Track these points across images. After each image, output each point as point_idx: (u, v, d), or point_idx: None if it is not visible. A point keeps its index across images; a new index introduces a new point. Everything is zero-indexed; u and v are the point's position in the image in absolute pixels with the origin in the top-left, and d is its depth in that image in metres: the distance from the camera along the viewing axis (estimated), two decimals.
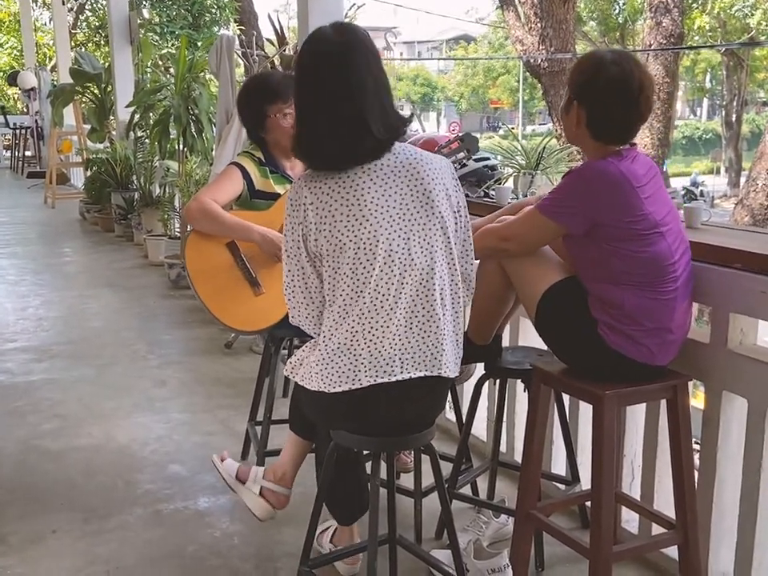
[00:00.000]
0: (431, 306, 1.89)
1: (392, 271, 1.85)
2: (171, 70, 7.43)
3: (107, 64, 9.14)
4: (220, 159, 4.44)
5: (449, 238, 1.91)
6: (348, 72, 1.82)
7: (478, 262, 2.35)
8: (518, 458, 3.02)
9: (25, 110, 16.14)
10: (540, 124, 37.24)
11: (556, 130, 9.21)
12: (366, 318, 1.85)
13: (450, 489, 2.54)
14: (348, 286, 1.84)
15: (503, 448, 2.98)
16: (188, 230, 2.86)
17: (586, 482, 2.63)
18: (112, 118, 9.06)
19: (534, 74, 9.22)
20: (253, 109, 2.79)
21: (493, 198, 3.13)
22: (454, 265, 1.94)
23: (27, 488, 2.94)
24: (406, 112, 1.98)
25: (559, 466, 2.82)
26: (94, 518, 2.72)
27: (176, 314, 5.31)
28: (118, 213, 7.95)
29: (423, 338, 1.90)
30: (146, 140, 7.10)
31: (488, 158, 3.34)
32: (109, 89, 8.99)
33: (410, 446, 2.10)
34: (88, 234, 8.58)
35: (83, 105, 10.03)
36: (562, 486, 2.71)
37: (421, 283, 1.88)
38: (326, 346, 1.89)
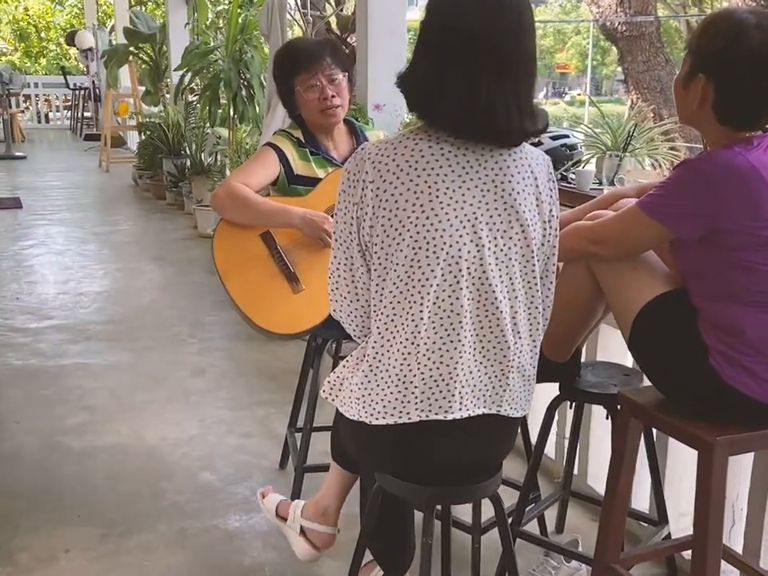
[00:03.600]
0: (501, 331, 1.52)
1: (458, 283, 1.47)
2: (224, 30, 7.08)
3: (163, 24, 8.84)
4: (268, 129, 4.09)
5: (532, 252, 1.53)
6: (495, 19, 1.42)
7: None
8: (592, 482, 2.65)
9: (85, 71, 16.05)
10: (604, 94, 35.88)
11: (631, 101, 8.61)
12: (421, 337, 1.49)
13: (514, 525, 2.18)
14: (400, 292, 1.48)
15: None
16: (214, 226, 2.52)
17: (672, 521, 2.26)
18: (168, 80, 8.79)
19: (609, 39, 8.58)
20: (282, 84, 2.43)
21: (572, 183, 2.72)
22: (535, 284, 1.56)
23: (44, 494, 2.67)
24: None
25: (640, 501, 2.43)
26: (112, 534, 2.44)
27: (222, 293, 4.96)
28: (169, 180, 7.70)
29: (487, 368, 1.54)
30: (198, 105, 6.80)
31: (566, 136, 2.93)
32: (164, 50, 8.71)
33: (470, 498, 1.73)
34: (139, 200, 8.36)
35: (139, 66, 9.79)
36: (644, 524, 2.33)
37: (492, 303, 1.50)
38: (371, 366, 1.54)
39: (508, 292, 1.52)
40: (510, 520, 2.22)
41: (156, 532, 2.46)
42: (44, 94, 16.07)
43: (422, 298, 1.48)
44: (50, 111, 16.52)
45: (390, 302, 1.50)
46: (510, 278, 1.52)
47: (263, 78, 5.39)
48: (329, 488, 2.08)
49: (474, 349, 1.52)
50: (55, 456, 2.92)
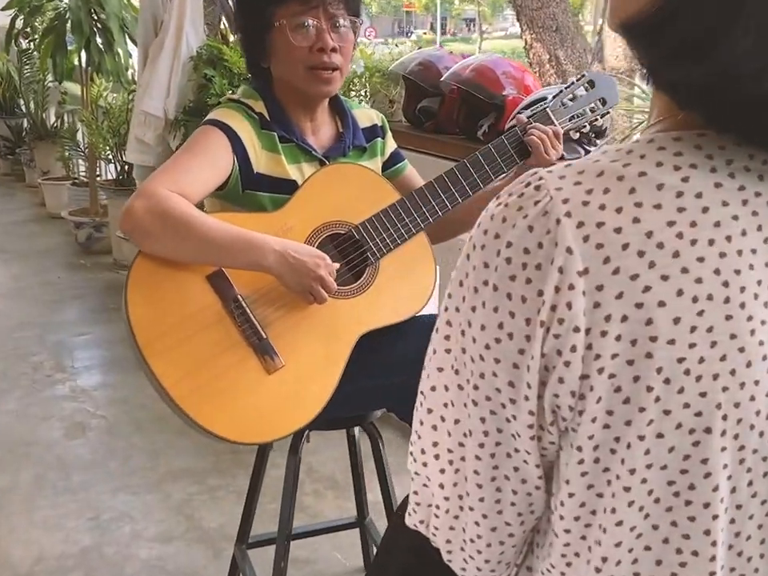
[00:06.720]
0: None
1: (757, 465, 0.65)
2: None
3: None
4: (148, 90, 3.05)
5: None
6: None
7: None
8: None
9: None
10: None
11: (526, 42, 7.95)
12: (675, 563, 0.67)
13: None
14: (647, 516, 0.64)
15: None
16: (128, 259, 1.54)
17: None
18: None
19: None
20: (252, 14, 1.48)
21: None
22: None
23: None
24: None
25: None
26: None
27: (91, 296, 3.96)
28: (2, 145, 6.36)
29: None
30: (35, 53, 5.51)
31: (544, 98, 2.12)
32: None
33: None
34: None
35: None
36: None
37: None
38: None
39: None
40: None
41: None
42: None
43: (678, 496, 0.64)
44: None
45: (604, 510, 0.65)
46: None
47: (124, 21, 4.26)
48: None
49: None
50: None
